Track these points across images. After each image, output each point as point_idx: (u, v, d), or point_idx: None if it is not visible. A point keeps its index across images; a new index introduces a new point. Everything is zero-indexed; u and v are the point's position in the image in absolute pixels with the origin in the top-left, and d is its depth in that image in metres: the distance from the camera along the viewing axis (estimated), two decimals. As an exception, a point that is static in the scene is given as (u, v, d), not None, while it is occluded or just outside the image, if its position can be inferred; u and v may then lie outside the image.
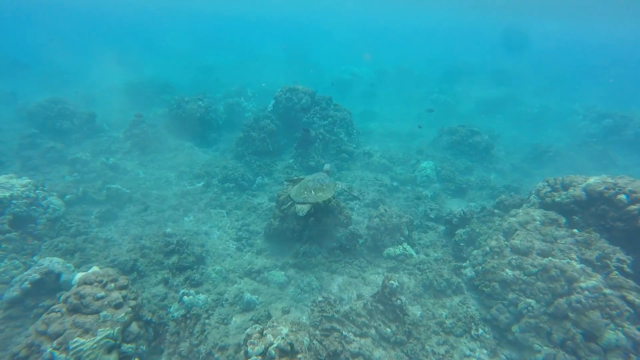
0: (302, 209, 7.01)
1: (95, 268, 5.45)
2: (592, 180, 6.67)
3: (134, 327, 5.09)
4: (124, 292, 5.25)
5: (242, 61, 33.91)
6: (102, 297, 4.82)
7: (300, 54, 36.33)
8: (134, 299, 5.36)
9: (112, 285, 5.16)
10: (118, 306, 4.95)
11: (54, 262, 5.91)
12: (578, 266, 5.63)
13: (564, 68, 36.25)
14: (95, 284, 4.97)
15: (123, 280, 5.38)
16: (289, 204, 7.50)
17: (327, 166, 8.47)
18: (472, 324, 6.19)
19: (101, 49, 29.84)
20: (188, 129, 14.76)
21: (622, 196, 6.11)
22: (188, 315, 6.29)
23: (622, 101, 22.93)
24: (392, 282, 5.93)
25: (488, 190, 12.05)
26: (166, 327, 5.94)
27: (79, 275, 5.06)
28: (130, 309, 5.11)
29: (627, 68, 35.73)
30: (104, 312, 4.64)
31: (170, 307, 6.56)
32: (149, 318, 5.56)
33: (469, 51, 45.45)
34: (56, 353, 4.10)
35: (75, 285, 4.90)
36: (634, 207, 5.95)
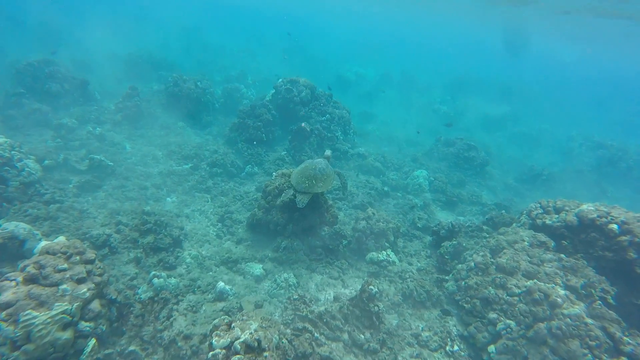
0: (303, 199, 6.79)
1: (61, 238, 5.14)
2: (585, 206, 6.55)
3: (96, 305, 4.79)
4: (89, 266, 4.95)
5: (248, 47, 33.39)
6: (64, 270, 4.52)
7: (306, 49, 35.96)
8: (100, 275, 5.06)
9: (78, 258, 4.86)
10: (81, 281, 4.65)
11: (20, 228, 5.57)
12: (562, 292, 5.48)
13: (568, 94, 36.48)
14: (59, 254, 4.66)
15: (90, 254, 5.08)
16: (290, 193, 7.15)
17: (328, 152, 8.11)
18: (449, 339, 6.03)
19: (104, 16, 29.11)
20: (183, 109, 14.38)
21: (614, 226, 5.98)
22: (156, 299, 6.01)
23: (620, 134, 23.08)
24: (372, 287, 5.72)
25: (479, 206, 11.93)
26: (131, 309, 5.64)
27: (43, 244, 4.74)
28: (94, 285, 4.82)
29: (629, 101, 36.11)
30: (64, 286, 4.34)
31: (139, 288, 6.27)
32: (113, 297, 5.26)
33: (475, 65, 45.52)
34: (3, 325, 3.79)
35: (37, 254, 4.58)
36: (624, 238, 5.83)
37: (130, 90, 13.18)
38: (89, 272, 4.85)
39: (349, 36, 55.94)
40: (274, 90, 14.25)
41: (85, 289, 4.53)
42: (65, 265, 4.54)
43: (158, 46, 24.66)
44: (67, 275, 4.48)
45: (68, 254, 4.71)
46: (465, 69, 37.46)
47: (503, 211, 9.20)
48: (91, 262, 5.02)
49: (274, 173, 8.70)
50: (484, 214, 11.40)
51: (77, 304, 4.35)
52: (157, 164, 11.15)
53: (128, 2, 44.25)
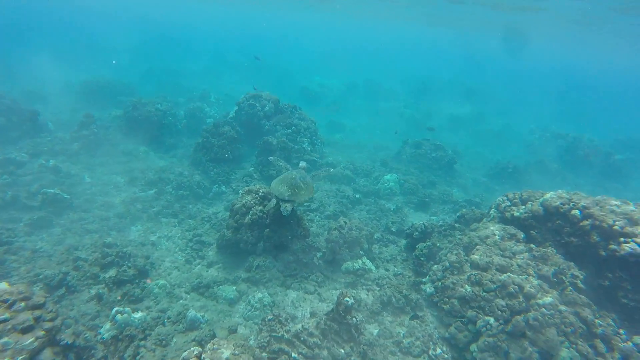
0: (287, 207, 6.70)
1: (3, 284, 4.67)
2: (548, 195, 6.68)
3: (48, 354, 4.35)
4: (37, 312, 4.51)
5: (210, 67, 33.11)
6: (4, 320, 4.08)
7: (271, 64, 36.05)
8: (52, 320, 4.62)
9: (23, 304, 4.41)
10: (26, 330, 4.22)
11: (-43, 276, 5.04)
12: (535, 282, 5.51)
13: (525, 89, 38.24)
14: (-1, 303, 4.22)
15: (39, 297, 4.63)
16: (273, 202, 7.02)
17: (302, 164, 8.06)
18: (431, 343, 5.91)
19: (54, 46, 28.08)
20: (144, 133, 13.89)
21: (576, 212, 6.11)
22: (120, 337, 5.60)
23: (574, 123, 24.29)
24: (347, 299, 5.54)
25: (450, 204, 12.08)
26: (92, 352, 5.21)
27: (-20, 293, 4.28)
28: (43, 332, 4.38)
29: (581, 93, 38.21)
30: (5, 339, 3.91)
31: (102, 328, 5.82)
32: (69, 342, 4.82)
33: (438, 68, 47.07)
34: None
35: (-27, 305, 4.13)
36: (586, 222, 5.96)
37: (85, 118, 12.60)
38: (37, 319, 4.42)
39: (311, 49, 56.62)
40: (237, 107, 14.04)
41: (31, 339, 4.11)
42: (7, 315, 4.11)
43: (115, 72, 23.94)
44: (9, 326, 4.04)
45: (10, 301, 4.27)
46: (427, 74, 38.63)
47: (474, 207, 9.30)
48: (40, 306, 4.58)
49: (240, 191, 8.45)
50: (456, 211, 11.52)
51: (22, 357, 3.93)
52: (119, 192, 10.63)
53: (77, 29, 43.05)
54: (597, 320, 5.04)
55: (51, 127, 13.67)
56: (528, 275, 5.67)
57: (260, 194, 7.92)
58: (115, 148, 13.12)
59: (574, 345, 4.87)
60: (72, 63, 24.46)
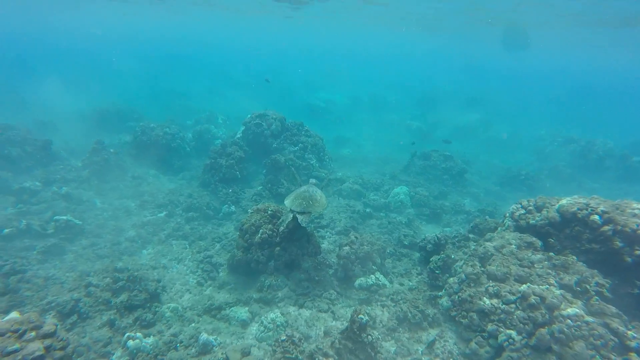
0: (304, 219, 6.91)
1: (14, 314, 4.65)
2: (564, 201, 6.48)
3: (59, 383, 4.28)
4: (48, 341, 4.46)
5: (215, 87, 33.77)
6: (15, 351, 4.03)
7: (274, 80, 36.61)
8: (62, 348, 4.57)
9: (33, 333, 4.37)
10: None
11: (-30, 307, 5.05)
12: (558, 292, 5.28)
13: (530, 95, 37.99)
14: (9, 334, 4.18)
15: (49, 326, 4.59)
16: (290, 216, 7.11)
17: (312, 180, 8.16)
18: (451, 359, 5.67)
19: (62, 74, 28.95)
20: (153, 157, 14.08)
21: (596, 217, 5.90)
22: (131, 364, 5.50)
23: (586, 127, 23.90)
24: (362, 316, 5.38)
25: (463, 214, 11.85)
26: (104, 380, 5.12)
27: (-9, 324, 4.26)
28: (54, 361, 4.33)
29: (591, 96, 37.77)
30: (15, 369, 3.85)
31: (113, 355, 5.74)
32: (80, 370, 4.75)
33: (441, 79, 47.22)
34: None
35: (-17, 337, 4.10)
36: (607, 227, 5.73)
37: (96, 145, 12.84)
38: (48, 348, 4.37)
39: (314, 64, 57.45)
40: (243, 127, 14.18)
41: (42, 368, 4.05)
42: (17, 345, 4.06)
43: (124, 97, 24.50)
44: (19, 357, 3.99)
45: (20, 331, 4.24)
46: (431, 84, 38.74)
47: (487, 217, 9.10)
48: (51, 335, 4.54)
49: (249, 210, 8.42)
50: (469, 221, 11.29)
51: (33, 386, 3.86)
52: (130, 217, 10.70)
53: (83, 57, 44.47)
54: (629, 332, 4.77)
55: (63, 155, 13.94)
56: (549, 285, 5.45)
57: (269, 212, 7.87)
58: (125, 173, 13.29)
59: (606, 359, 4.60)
60: (81, 91, 25.15)
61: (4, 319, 4.48)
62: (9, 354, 3.94)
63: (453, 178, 14.69)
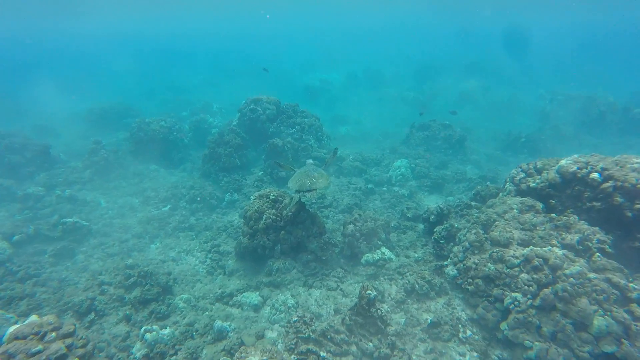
0: (312, 195, 6.99)
1: (33, 317, 4.80)
2: (563, 161, 6.45)
3: (83, 379, 4.47)
4: (69, 340, 4.63)
5: (209, 78, 33.35)
6: (38, 352, 4.19)
7: (268, 64, 36.04)
8: (83, 346, 4.74)
9: (54, 334, 4.53)
10: (60, 359, 4.34)
11: (-10, 315, 5.22)
12: (560, 252, 5.34)
13: (528, 55, 37.08)
14: (31, 336, 4.33)
15: (68, 326, 4.75)
16: (297, 197, 7.21)
17: (309, 161, 8.17)
18: (460, 326, 5.81)
19: (57, 79, 28.74)
20: (152, 151, 14.10)
21: (595, 175, 5.88)
22: (151, 355, 5.71)
23: (584, 83, 23.41)
24: (369, 292, 5.49)
25: (465, 182, 11.85)
26: (126, 372, 5.32)
27: (11, 329, 4.41)
28: (77, 359, 4.50)
29: (588, 51, 36.84)
30: (39, 369, 4.02)
31: (133, 348, 5.94)
32: (103, 365, 4.94)
33: (436, 47, 46.20)
34: None
35: (5, 343, 4.25)
36: (607, 184, 5.73)
37: (94, 145, 12.85)
38: (69, 347, 4.53)
39: (307, 45, 56.31)
40: (239, 114, 14.09)
41: (65, 366, 4.21)
42: (40, 347, 4.22)
43: (119, 95, 24.33)
44: (43, 357, 4.15)
45: (41, 332, 4.39)
46: (426, 54, 37.94)
47: (488, 183, 9.10)
48: (71, 334, 4.70)
49: (251, 196, 8.47)
50: (472, 189, 11.30)
51: (58, 384, 4.03)
52: (135, 213, 10.83)
53: (75, 58, 43.93)
54: (630, 284, 4.84)
55: (63, 158, 13.99)
56: (551, 246, 5.50)
57: (271, 197, 7.93)
58: (126, 170, 13.35)
59: (608, 313, 4.69)
60: (76, 92, 24.99)
61: (24, 323, 4.64)
62: (33, 355, 4.10)
63: (453, 147, 14.61)
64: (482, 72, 29.35)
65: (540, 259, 5.33)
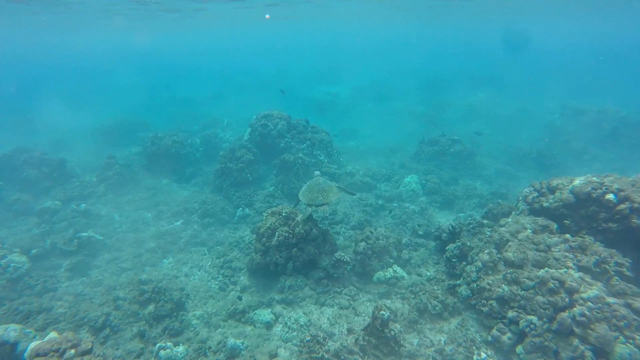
0: (325, 209, 7.42)
1: (52, 334, 4.89)
2: (577, 181, 6.44)
3: (100, 398, 4.51)
4: (86, 357, 4.69)
5: (217, 92, 33.92)
6: (58, 369, 4.26)
7: (277, 80, 36.57)
8: (100, 364, 4.80)
9: (72, 352, 4.60)
10: (79, 377, 4.40)
11: (9, 330, 5.31)
12: (576, 275, 5.30)
13: (536, 68, 37.12)
14: (51, 354, 4.41)
15: (86, 344, 4.82)
16: (309, 211, 7.71)
17: (316, 172, 8.67)
18: (474, 347, 5.76)
19: (69, 94, 29.47)
20: (164, 166, 14.33)
21: (611, 195, 5.87)
22: (165, 373, 5.73)
23: (593, 95, 23.25)
24: (383, 312, 5.49)
25: (476, 199, 11.81)
26: (141, 390, 5.35)
27: (32, 346, 4.50)
28: (94, 377, 4.56)
29: (596, 63, 36.71)
30: (59, 388, 4.08)
31: (147, 365, 5.98)
32: (118, 383, 4.99)
33: (442, 61, 46.46)
34: None
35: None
36: (624, 206, 5.71)
37: (108, 160, 13.12)
38: (87, 364, 4.60)
39: (314, 58, 57.00)
40: (250, 129, 14.28)
41: (84, 385, 4.27)
42: (59, 364, 4.29)
43: (130, 110, 24.81)
44: (63, 375, 4.22)
45: (61, 350, 4.47)
46: (433, 68, 38.15)
47: (500, 200, 9.07)
48: (88, 352, 4.76)
49: (264, 213, 8.55)
50: (483, 205, 11.25)
51: (77, 404, 4.08)
52: (147, 228, 10.97)
53: (86, 74, 45.04)
54: (650, 309, 4.78)
55: (78, 172, 14.28)
56: (567, 269, 5.47)
57: (283, 214, 8.01)
58: (139, 184, 13.57)
59: (630, 340, 4.62)
60: (87, 107, 25.60)
61: (44, 340, 4.72)
62: (52, 373, 4.17)
63: (463, 162, 14.60)
64: (491, 84, 29.37)
65: (556, 282, 5.30)
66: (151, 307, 7.06)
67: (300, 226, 7.68)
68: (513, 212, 7.78)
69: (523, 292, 5.57)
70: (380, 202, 11.52)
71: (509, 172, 14.61)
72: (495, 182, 13.59)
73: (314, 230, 7.80)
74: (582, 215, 6.25)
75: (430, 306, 6.58)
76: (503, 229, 6.95)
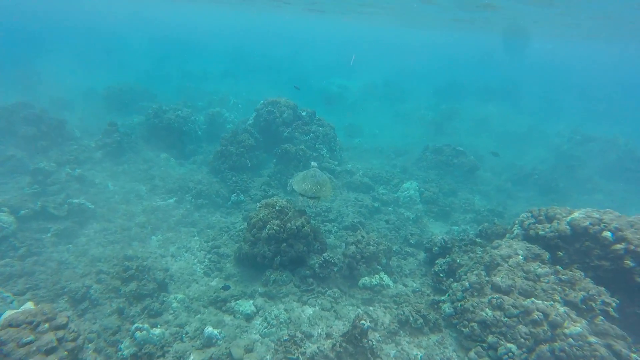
0: (316, 202, 7.53)
1: (29, 304, 4.83)
2: (576, 214, 6.35)
3: (69, 374, 4.48)
4: (60, 332, 4.64)
5: (229, 70, 33.50)
6: (29, 342, 4.21)
7: (288, 66, 36.17)
8: (74, 339, 4.75)
9: (46, 325, 4.55)
10: (50, 351, 4.35)
11: (-13, 293, 5.26)
12: (562, 309, 5.25)
13: (552, 87, 36.70)
14: (24, 325, 4.36)
15: (62, 318, 4.76)
16: (301, 199, 7.59)
17: (313, 163, 8.55)
18: (449, 367, 5.74)
19: (77, 51, 29.03)
20: (165, 140, 14.17)
21: (608, 233, 5.79)
22: (139, 354, 5.71)
23: (606, 124, 23.08)
24: (363, 322, 5.45)
25: (472, 213, 11.74)
26: (112, 369, 5.33)
27: (6, 314, 4.44)
28: (66, 353, 4.51)
29: (614, 91, 36.22)
30: (28, 362, 4.03)
31: (122, 344, 5.94)
32: (90, 360, 4.95)
33: (459, 68, 45.93)
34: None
35: (-1, 328, 4.28)
36: (619, 246, 5.63)
37: (109, 127, 12.95)
38: (60, 340, 4.55)
39: (331, 50, 56.30)
40: (255, 113, 14.09)
41: (54, 360, 4.23)
42: (32, 337, 4.24)
43: (136, 77, 24.52)
44: (34, 348, 4.17)
45: (34, 322, 4.41)
46: (447, 75, 37.67)
47: (496, 220, 9.00)
48: (63, 326, 4.71)
49: (257, 204, 8.46)
50: (478, 221, 11.20)
51: (45, 379, 4.04)
52: (140, 201, 10.88)
53: (96, 34, 44.35)
54: (632, 355, 4.74)
55: (77, 135, 14.12)
56: (554, 302, 5.42)
57: (277, 207, 7.92)
58: (137, 155, 13.43)
59: (604, 380, 4.61)
60: (94, 68, 25.30)
61: (20, 310, 4.67)
62: (24, 345, 4.12)
63: (464, 174, 14.49)
64: (504, 98, 29.04)
65: (541, 313, 5.25)
66: (133, 285, 7.01)
67: (292, 222, 7.59)
68: (507, 235, 7.70)
69: (506, 319, 5.53)
70: (376, 204, 11.43)
71: (508, 189, 14.51)
72: (493, 199, 13.50)
73: (305, 227, 7.72)
74: (577, 249, 6.18)
75: (411, 319, 6.55)
76: (495, 251, 6.88)
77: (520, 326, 5.34)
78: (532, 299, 5.54)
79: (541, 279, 5.90)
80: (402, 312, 6.71)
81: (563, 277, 5.83)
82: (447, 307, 6.66)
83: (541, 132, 22.01)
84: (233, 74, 32.43)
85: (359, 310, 7.10)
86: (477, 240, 8.26)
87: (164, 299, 7.00)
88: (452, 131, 21.97)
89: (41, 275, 7.11)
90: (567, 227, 6.30)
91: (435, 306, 6.95)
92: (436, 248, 8.16)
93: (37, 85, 20.23)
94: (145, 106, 17.83)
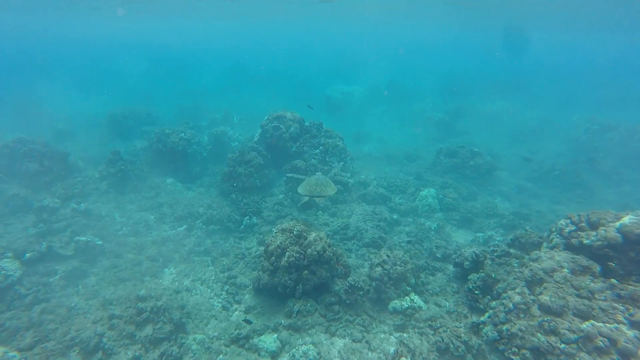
0: (321, 201, 8.94)
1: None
2: (627, 219, 5.75)
3: None
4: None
5: (229, 84, 33.33)
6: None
7: (290, 74, 35.91)
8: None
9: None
10: None
11: (-9, 358, 4.81)
12: (630, 333, 4.65)
13: (561, 78, 35.94)
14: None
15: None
16: (306, 198, 8.94)
17: (318, 174, 9.78)
18: (502, 402, 5.16)
19: (78, 81, 29.01)
20: (170, 164, 13.79)
21: (667, 240, 5.19)
22: (160, 409, 5.21)
23: (622, 111, 22.30)
24: (403, 359, 4.90)
25: (496, 218, 11.14)
26: None
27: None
28: None
29: (626, 77, 35.34)
30: None
31: (140, 396, 5.46)
32: None
33: (466, 64, 45.35)
34: None
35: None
36: (682, 253, 5.03)
37: (112, 155, 12.59)
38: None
39: (330, 55, 56.11)
40: (260, 130, 13.66)
41: None
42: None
43: (137, 99, 24.36)
44: None
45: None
46: (452, 71, 37.12)
47: (528, 228, 8.41)
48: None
49: (273, 229, 7.98)
50: (503, 226, 10.62)
51: None
52: (149, 232, 10.47)
53: (93, 62, 44.60)
54: None
55: (81, 165, 13.81)
56: (618, 324, 4.82)
57: (294, 232, 7.43)
58: (143, 182, 13.05)
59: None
60: (93, 96, 25.18)
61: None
62: None
63: (482, 176, 13.89)
64: (513, 92, 28.26)
65: (606, 339, 4.66)
66: (149, 329, 6.54)
67: (312, 247, 7.09)
68: (544, 244, 7.12)
69: (563, 345, 4.94)
70: (395, 216, 10.90)
71: (529, 188, 13.88)
72: (515, 200, 12.88)
73: (327, 251, 7.21)
74: (631, 258, 5.58)
75: (452, 347, 5.97)
76: (535, 264, 6.30)
77: (582, 354, 4.75)
78: (592, 321, 4.95)
79: (596, 296, 5.31)
80: (440, 339, 6.14)
81: (622, 292, 5.23)
82: (489, 331, 6.07)
83: (555, 125, 21.30)
84: (233, 88, 32.23)
85: (392, 337, 6.57)
86: (510, 251, 7.68)
87: (183, 341, 6.52)
88: (462, 130, 21.36)
89: (50, 324, 6.66)
90: (618, 234, 5.71)
91: (476, 329, 6.36)
92: (467, 263, 7.58)
93: (38, 116, 20.04)
94: (147, 130, 17.52)
